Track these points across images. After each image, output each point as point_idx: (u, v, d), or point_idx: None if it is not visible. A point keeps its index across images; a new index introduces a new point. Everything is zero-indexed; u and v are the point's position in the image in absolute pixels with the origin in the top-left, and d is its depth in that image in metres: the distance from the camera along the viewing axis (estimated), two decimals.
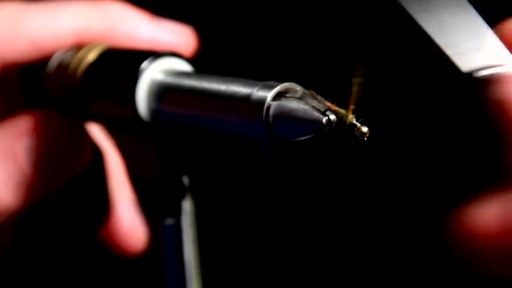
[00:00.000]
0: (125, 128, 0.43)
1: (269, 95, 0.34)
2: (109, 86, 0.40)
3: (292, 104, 0.33)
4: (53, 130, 0.43)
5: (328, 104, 0.33)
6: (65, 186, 0.45)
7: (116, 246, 0.51)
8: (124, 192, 0.51)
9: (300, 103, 0.33)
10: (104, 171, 0.50)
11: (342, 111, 0.33)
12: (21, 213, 0.44)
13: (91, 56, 0.42)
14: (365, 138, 0.32)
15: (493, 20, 0.36)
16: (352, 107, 0.33)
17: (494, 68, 0.33)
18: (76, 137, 0.44)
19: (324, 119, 0.32)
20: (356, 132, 0.32)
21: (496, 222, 0.31)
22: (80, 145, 0.45)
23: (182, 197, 0.42)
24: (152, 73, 0.39)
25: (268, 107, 0.34)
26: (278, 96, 0.34)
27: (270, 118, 0.33)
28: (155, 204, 0.44)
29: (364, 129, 0.32)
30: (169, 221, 0.42)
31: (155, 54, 0.40)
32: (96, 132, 0.49)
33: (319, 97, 0.34)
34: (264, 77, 0.35)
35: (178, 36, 0.47)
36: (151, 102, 0.39)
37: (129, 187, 0.51)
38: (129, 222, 0.51)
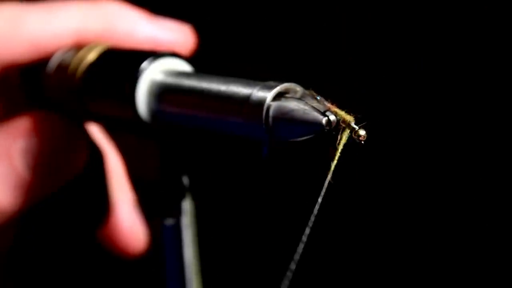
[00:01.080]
0: (125, 128, 0.42)
1: (269, 95, 0.34)
2: (109, 86, 0.40)
3: (292, 105, 0.33)
4: (52, 131, 0.43)
5: (328, 104, 0.33)
6: (65, 186, 0.45)
7: (116, 247, 0.51)
8: (124, 192, 0.51)
9: (300, 103, 0.33)
10: (104, 171, 0.50)
11: (342, 112, 0.33)
12: (21, 214, 0.44)
13: (91, 56, 0.42)
14: (362, 142, 0.32)
15: None
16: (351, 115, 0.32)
17: None
18: (74, 138, 0.44)
19: (324, 120, 0.32)
20: (353, 135, 0.32)
21: None
22: (79, 146, 0.44)
23: (182, 197, 0.42)
24: (152, 73, 0.39)
25: (268, 108, 0.33)
26: (278, 97, 0.34)
27: (270, 119, 0.33)
28: (155, 204, 0.44)
29: (362, 132, 0.32)
30: (169, 221, 0.42)
31: (155, 54, 0.40)
32: (96, 132, 0.49)
33: (319, 97, 0.33)
34: (264, 77, 0.35)
35: (177, 34, 0.47)
36: (151, 103, 0.39)
37: (129, 187, 0.51)
38: (129, 222, 0.51)
